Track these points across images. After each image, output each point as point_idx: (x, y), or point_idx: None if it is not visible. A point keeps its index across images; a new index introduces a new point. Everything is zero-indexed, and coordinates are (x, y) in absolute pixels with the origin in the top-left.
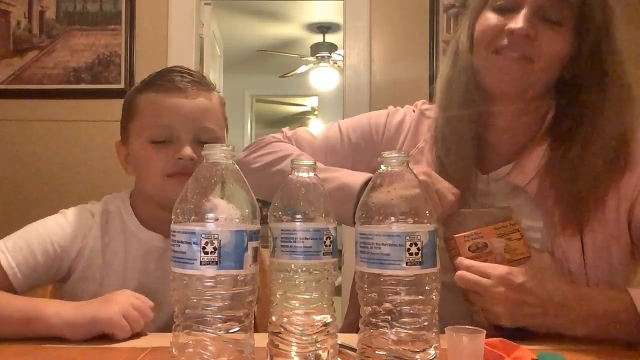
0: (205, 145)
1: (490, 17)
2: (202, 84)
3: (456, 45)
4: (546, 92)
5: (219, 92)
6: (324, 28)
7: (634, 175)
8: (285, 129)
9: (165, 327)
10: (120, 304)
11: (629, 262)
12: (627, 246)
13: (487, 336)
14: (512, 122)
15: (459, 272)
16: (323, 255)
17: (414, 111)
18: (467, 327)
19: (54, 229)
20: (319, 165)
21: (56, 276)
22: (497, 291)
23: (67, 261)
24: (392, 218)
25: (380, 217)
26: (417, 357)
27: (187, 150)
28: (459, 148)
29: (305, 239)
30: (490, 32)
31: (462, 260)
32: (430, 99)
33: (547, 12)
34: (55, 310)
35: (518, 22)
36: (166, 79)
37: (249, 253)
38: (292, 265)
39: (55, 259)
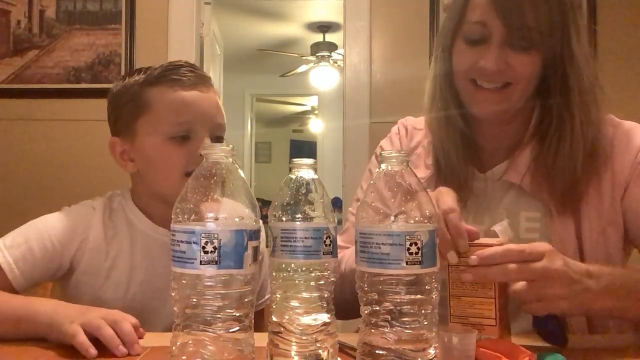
0: (205, 145)
1: (463, 50)
2: (206, 78)
3: (437, 59)
4: (529, 100)
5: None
6: (324, 27)
7: (625, 163)
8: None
9: (168, 321)
10: (93, 318)
11: (624, 248)
12: (622, 233)
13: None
14: (500, 128)
15: (513, 266)
16: (323, 254)
17: (405, 128)
18: (458, 327)
19: (53, 224)
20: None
21: (57, 273)
22: (556, 268)
23: (67, 257)
24: (392, 217)
25: (380, 217)
26: (417, 356)
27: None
28: (453, 152)
29: (305, 238)
30: (464, 65)
31: (491, 249)
32: None
33: (515, 41)
34: (46, 310)
35: (488, 60)
36: (178, 74)
37: (249, 252)
38: (292, 265)
39: (54, 255)
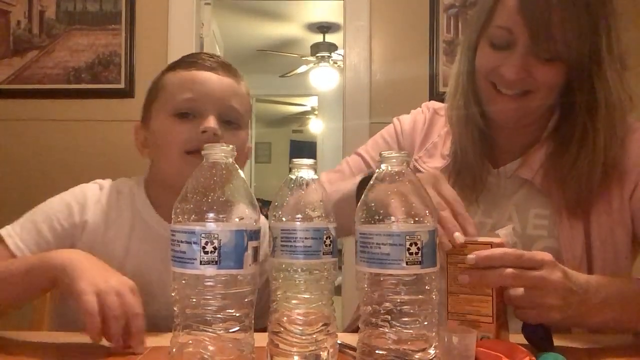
0: (205, 145)
1: (487, 52)
2: (231, 68)
3: (461, 55)
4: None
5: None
6: (324, 28)
7: (635, 162)
8: (323, 174)
9: (154, 320)
10: (113, 301)
11: (632, 248)
12: (630, 232)
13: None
14: (517, 129)
15: (511, 272)
16: (323, 254)
17: (428, 110)
18: (458, 327)
19: (60, 206)
20: (326, 185)
21: None
22: (554, 279)
23: (77, 236)
24: (392, 217)
25: (380, 217)
26: (417, 356)
27: (211, 122)
28: (470, 148)
29: (305, 238)
30: (486, 68)
31: (498, 250)
32: (430, 99)
33: (540, 51)
34: (64, 256)
35: (509, 68)
36: (196, 58)
37: (249, 253)
38: (292, 265)
39: (65, 237)
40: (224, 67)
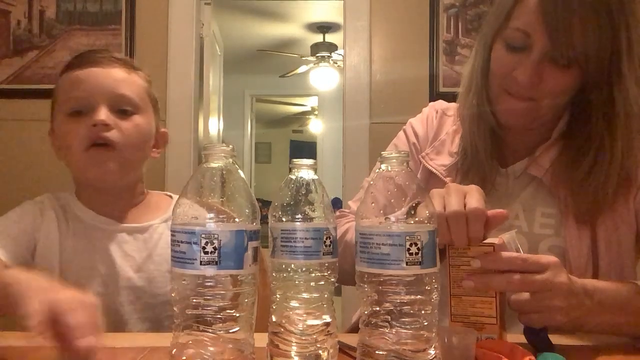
0: (205, 145)
1: (502, 55)
2: (121, 60)
3: (477, 53)
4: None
5: (147, 75)
6: (324, 28)
7: None
8: (350, 202)
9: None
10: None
11: (636, 247)
12: (634, 231)
13: None
14: (526, 128)
15: (517, 277)
16: (323, 255)
17: (436, 111)
18: (458, 327)
19: (20, 214)
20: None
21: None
22: (560, 281)
23: (37, 238)
24: (392, 218)
25: (380, 217)
26: (417, 356)
27: (101, 114)
28: (482, 147)
29: (305, 238)
30: (500, 70)
31: (502, 254)
32: (430, 99)
33: (557, 57)
34: (14, 274)
35: (523, 72)
36: (84, 57)
37: (249, 253)
38: (292, 265)
39: (31, 239)
40: (111, 58)
